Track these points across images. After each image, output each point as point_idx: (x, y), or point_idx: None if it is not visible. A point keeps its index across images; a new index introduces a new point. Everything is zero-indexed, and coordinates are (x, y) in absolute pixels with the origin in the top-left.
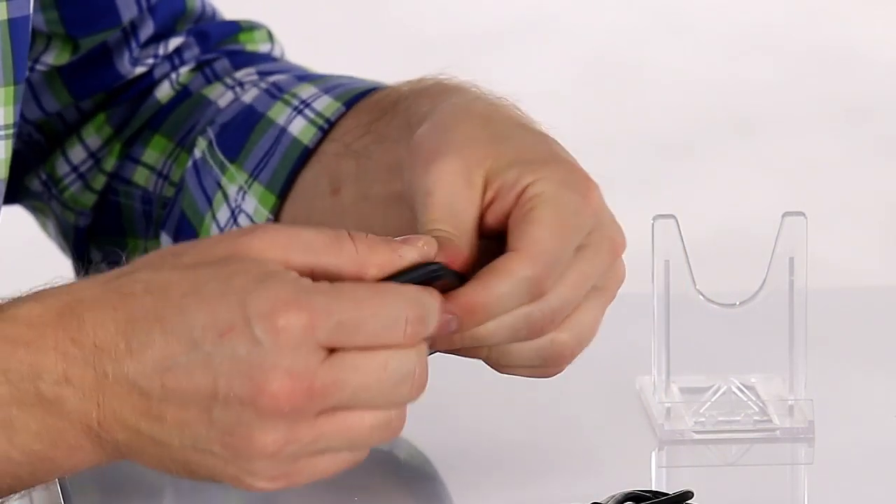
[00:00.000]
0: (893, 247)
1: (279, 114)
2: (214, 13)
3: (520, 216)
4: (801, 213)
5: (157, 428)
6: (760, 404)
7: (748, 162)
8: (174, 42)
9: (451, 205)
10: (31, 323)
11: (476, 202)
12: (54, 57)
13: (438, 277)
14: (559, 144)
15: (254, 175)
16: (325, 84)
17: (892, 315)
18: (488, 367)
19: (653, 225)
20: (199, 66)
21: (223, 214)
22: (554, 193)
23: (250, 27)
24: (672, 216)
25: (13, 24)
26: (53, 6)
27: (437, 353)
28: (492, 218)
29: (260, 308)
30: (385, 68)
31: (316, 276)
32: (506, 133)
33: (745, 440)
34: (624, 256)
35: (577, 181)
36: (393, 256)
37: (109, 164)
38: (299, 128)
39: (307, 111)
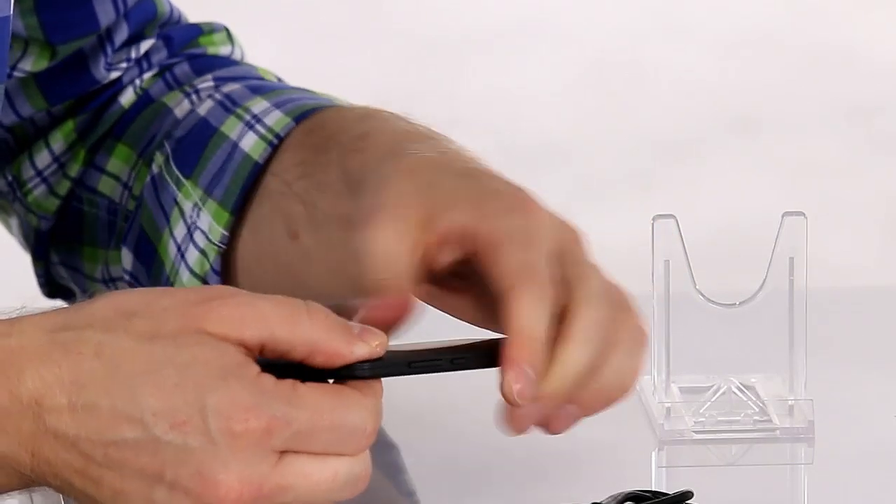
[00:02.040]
0: (893, 247)
1: (231, 128)
2: (180, 16)
3: (497, 293)
4: (801, 213)
5: (93, 488)
6: (760, 404)
7: (748, 162)
8: (145, 45)
9: (387, 260)
10: None
11: (409, 253)
12: (32, 63)
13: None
14: (494, 177)
15: (208, 191)
16: (278, 98)
17: (892, 315)
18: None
19: (653, 225)
20: (162, 71)
21: (180, 231)
22: (502, 236)
23: (210, 29)
24: (672, 216)
25: None
26: (33, 12)
27: None
28: (448, 257)
29: (219, 407)
30: (385, 68)
31: (266, 349)
32: (433, 181)
33: (745, 440)
34: (624, 256)
35: (515, 205)
36: (345, 351)
37: (73, 169)
38: (250, 143)
39: (258, 126)
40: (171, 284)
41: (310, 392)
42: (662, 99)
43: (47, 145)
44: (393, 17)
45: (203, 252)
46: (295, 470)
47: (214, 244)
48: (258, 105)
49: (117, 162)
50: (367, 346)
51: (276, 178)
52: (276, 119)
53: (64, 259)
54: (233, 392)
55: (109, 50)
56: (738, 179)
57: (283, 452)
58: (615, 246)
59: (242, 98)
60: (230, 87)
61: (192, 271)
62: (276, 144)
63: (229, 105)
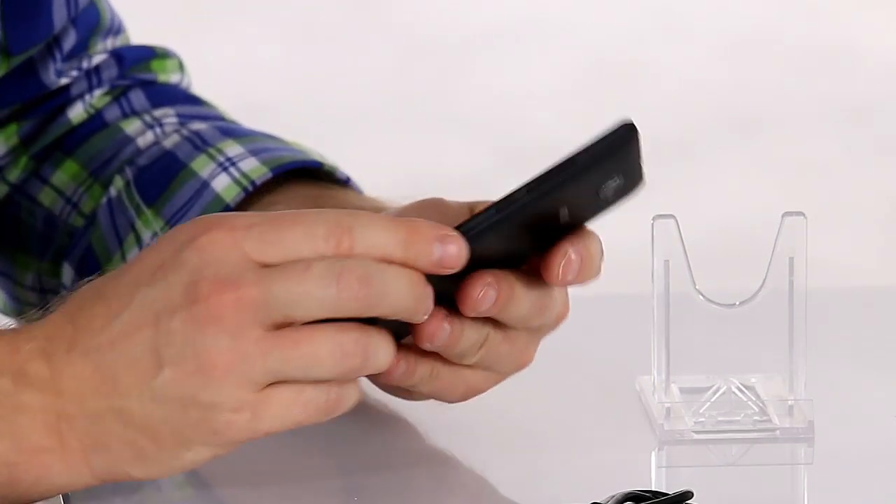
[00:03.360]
0: (893, 247)
1: (203, 167)
2: (121, 25)
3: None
4: (801, 213)
5: (115, 394)
6: (760, 404)
7: (748, 162)
8: (97, 58)
9: None
10: None
11: None
12: None
13: None
14: None
15: (170, 223)
16: (252, 145)
17: (892, 315)
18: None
19: (653, 225)
20: (113, 93)
21: (133, 257)
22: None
23: (164, 54)
24: (672, 216)
25: None
26: (0, 25)
27: None
28: None
29: (186, 236)
30: (385, 68)
31: None
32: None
33: (745, 440)
34: (624, 256)
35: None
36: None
37: (13, 174)
38: (223, 184)
39: (232, 169)
40: None
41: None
42: (662, 99)
43: None
44: (393, 17)
45: None
46: (272, 273)
47: None
48: (232, 148)
49: (64, 177)
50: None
51: (266, 205)
52: (252, 166)
53: None
54: (195, 222)
55: (58, 56)
56: (738, 179)
57: (265, 266)
58: (615, 246)
59: (213, 139)
60: (197, 126)
61: None
62: (250, 191)
63: (199, 143)
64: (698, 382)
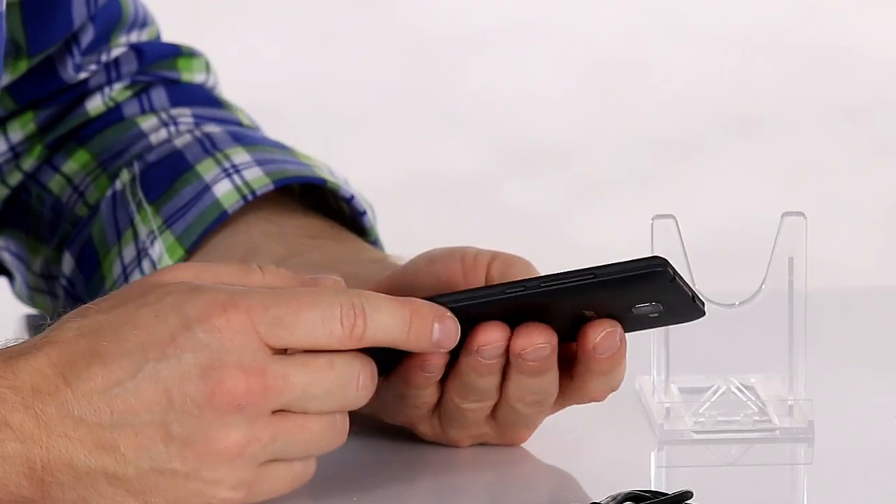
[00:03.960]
0: (893, 247)
1: (208, 170)
2: (146, 20)
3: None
4: (801, 213)
5: (110, 459)
6: (760, 404)
7: (748, 162)
8: (117, 51)
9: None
10: None
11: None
12: (8, 78)
13: None
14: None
15: (168, 223)
16: (260, 154)
17: (892, 315)
18: None
19: (652, 225)
20: (135, 88)
21: (129, 252)
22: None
23: (190, 53)
24: (672, 216)
25: None
26: (20, 28)
27: None
28: None
29: (198, 314)
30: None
31: None
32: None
33: (745, 440)
34: (624, 256)
35: None
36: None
37: (28, 163)
38: (224, 190)
39: (236, 177)
40: None
41: (279, 288)
42: (662, 99)
43: (4, 133)
44: (393, 17)
45: None
46: (293, 360)
47: None
48: (239, 155)
49: (74, 165)
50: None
51: (262, 217)
52: (255, 176)
53: (9, 245)
54: (207, 297)
55: (76, 51)
56: (737, 179)
57: (277, 351)
58: (615, 246)
59: (223, 143)
60: (211, 129)
61: None
62: (249, 200)
63: (209, 146)
64: (698, 382)
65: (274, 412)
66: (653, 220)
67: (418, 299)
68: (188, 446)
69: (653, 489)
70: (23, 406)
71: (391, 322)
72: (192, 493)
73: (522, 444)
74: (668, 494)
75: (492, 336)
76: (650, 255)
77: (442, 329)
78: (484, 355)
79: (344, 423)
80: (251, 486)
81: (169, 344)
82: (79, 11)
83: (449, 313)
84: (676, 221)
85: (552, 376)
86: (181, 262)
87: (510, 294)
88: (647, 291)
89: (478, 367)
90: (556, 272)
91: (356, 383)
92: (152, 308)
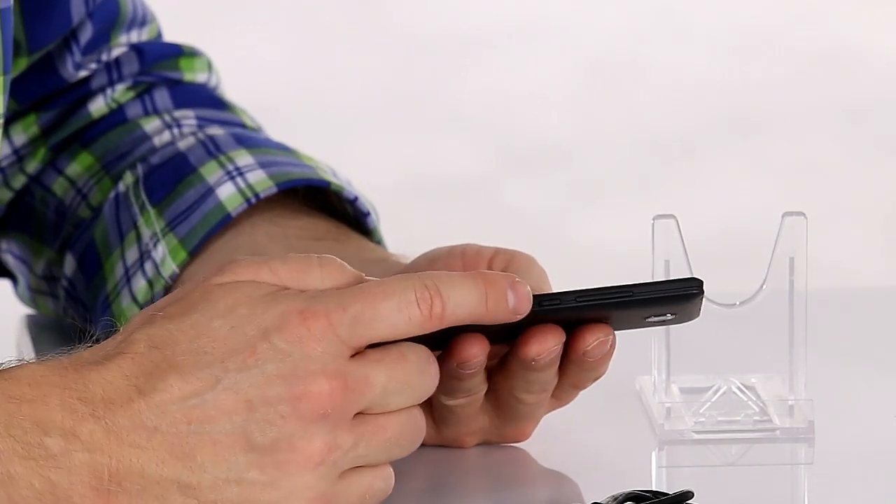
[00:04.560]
0: (893, 247)
1: (211, 172)
2: (146, 18)
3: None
4: (801, 213)
5: (185, 469)
6: (760, 404)
7: (748, 162)
8: (116, 50)
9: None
10: (35, 382)
11: None
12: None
13: None
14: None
15: (171, 226)
16: (263, 157)
17: (892, 315)
18: None
19: (653, 225)
20: (137, 89)
21: (132, 255)
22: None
23: (192, 53)
24: (672, 216)
25: (1, 14)
26: (20, 24)
27: None
28: None
29: (277, 323)
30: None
31: None
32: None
33: (745, 440)
34: (624, 256)
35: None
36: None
37: (31, 165)
38: (227, 193)
39: (239, 179)
40: (109, 304)
41: (349, 286)
42: (662, 99)
43: (7, 137)
44: (393, 17)
45: (150, 282)
46: (367, 358)
47: (163, 278)
48: (242, 158)
49: (78, 168)
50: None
51: (266, 220)
52: (259, 178)
53: (12, 248)
54: (283, 306)
55: (75, 49)
56: (738, 179)
57: (355, 350)
58: (615, 246)
59: (226, 146)
60: (214, 131)
61: (134, 298)
62: (253, 203)
63: (212, 149)
64: (698, 382)
65: (354, 416)
66: (653, 220)
67: (490, 271)
68: (269, 455)
69: (653, 489)
70: (92, 417)
71: (468, 296)
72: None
73: (522, 445)
74: (668, 494)
75: (473, 351)
76: (688, 277)
77: (516, 295)
78: (467, 369)
79: (422, 419)
80: (328, 499)
81: (249, 355)
82: (77, 8)
83: (517, 278)
84: (677, 221)
85: (555, 367)
86: (237, 259)
87: (545, 307)
88: (673, 307)
89: (466, 376)
90: (591, 287)
91: (429, 370)
92: (226, 320)
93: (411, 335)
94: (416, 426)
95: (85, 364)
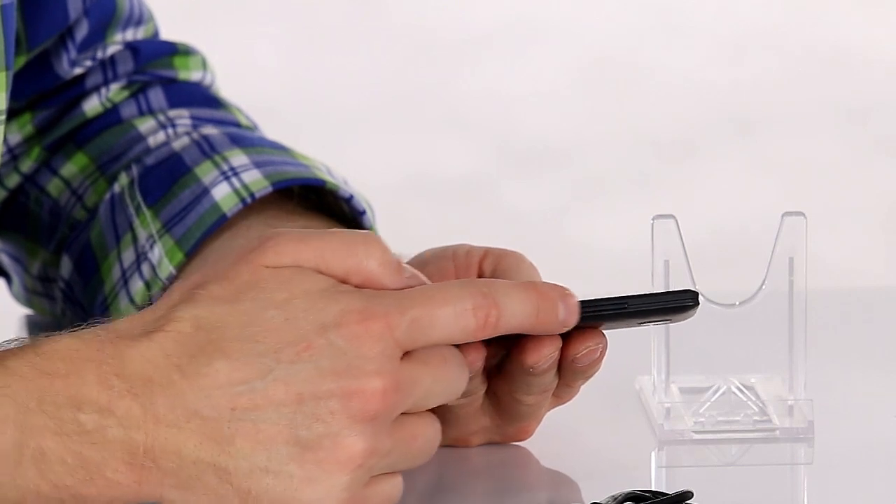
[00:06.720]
0: (893, 247)
1: (206, 172)
2: (143, 17)
3: None
4: (801, 213)
5: (223, 452)
6: (760, 404)
7: (748, 162)
8: (112, 48)
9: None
10: (69, 357)
11: None
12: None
13: None
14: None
15: (167, 227)
16: (258, 156)
17: (892, 315)
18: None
19: (652, 225)
20: (132, 88)
21: (128, 256)
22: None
23: (186, 51)
24: (672, 216)
25: (3, 9)
26: (21, 18)
27: None
28: None
29: (336, 320)
30: (385, 68)
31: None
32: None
33: (745, 440)
34: (624, 256)
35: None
36: (395, 283)
37: (26, 165)
38: (222, 194)
39: (234, 179)
40: (107, 306)
41: (409, 288)
42: (662, 99)
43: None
44: (393, 17)
45: (147, 284)
46: (415, 359)
47: (160, 280)
48: (237, 158)
49: (73, 168)
50: (419, 278)
51: (261, 220)
52: (254, 178)
53: (7, 247)
54: (343, 304)
55: (71, 45)
56: (738, 179)
57: (407, 352)
58: (615, 246)
59: (221, 146)
60: (208, 130)
61: (131, 299)
62: (248, 203)
63: (207, 149)
64: (698, 382)
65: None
66: (653, 220)
67: (542, 282)
68: (311, 451)
69: (653, 489)
70: (129, 394)
71: (521, 307)
72: (294, 499)
73: (523, 444)
74: (668, 494)
75: (469, 358)
76: (683, 289)
77: (566, 307)
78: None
79: (440, 427)
80: (356, 502)
81: (304, 349)
82: (74, 4)
83: (568, 290)
84: (676, 221)
85: (554, 370)
86: (279, 233)
87: None
88: (667, 316)
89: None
90: (585, 299)
91: (464, 373)
92: (281, 311)
93: (463, 342)
94: (437, 436)
95: (122, 338)
